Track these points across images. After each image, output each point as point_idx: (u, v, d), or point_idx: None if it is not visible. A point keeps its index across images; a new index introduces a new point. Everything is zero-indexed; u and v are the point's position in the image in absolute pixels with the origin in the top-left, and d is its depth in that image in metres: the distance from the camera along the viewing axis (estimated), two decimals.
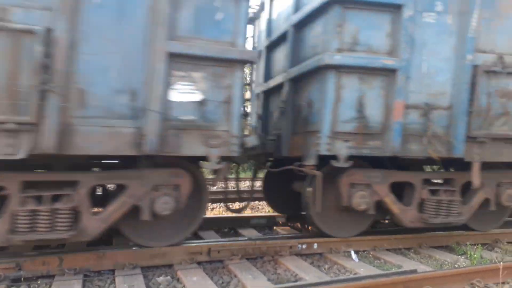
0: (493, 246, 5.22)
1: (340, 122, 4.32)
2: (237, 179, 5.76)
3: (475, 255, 4.57)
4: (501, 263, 3.78)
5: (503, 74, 4.66)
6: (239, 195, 5.93)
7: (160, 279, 3.63)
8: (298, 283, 3.42)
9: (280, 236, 5.05)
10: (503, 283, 3.71)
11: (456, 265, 4.34)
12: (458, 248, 4.94)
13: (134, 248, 4.07)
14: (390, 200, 4.68)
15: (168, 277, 3.69)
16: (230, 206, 6.37)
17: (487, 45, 4.63)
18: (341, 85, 4.29)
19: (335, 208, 4.81)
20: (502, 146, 4.79)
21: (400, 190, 4.89)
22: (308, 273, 3.87)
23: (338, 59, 4.22)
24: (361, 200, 4.52)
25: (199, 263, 4.07)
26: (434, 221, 4.70)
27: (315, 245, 4.60)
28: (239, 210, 5.65)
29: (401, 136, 4.39)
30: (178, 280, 3.70)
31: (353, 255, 4.50)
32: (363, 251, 4.74)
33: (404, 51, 4.34)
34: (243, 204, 5.02)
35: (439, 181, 5.13)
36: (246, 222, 5.89)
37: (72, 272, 3.59)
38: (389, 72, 4.37)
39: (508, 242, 5.30)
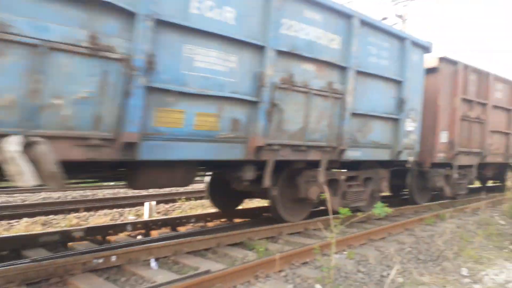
0: (277, 239, 6.03)
1: None
2: None
3: (261, 249, 5.18)
4: (278, 254, 4.41)
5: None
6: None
7: None
8: None
9: (73, 252, 4.58)
10: (279, 271, 4.33)
11: (244, 260, 4.81)
12: (249, 244, 5.51)
13: None
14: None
15: None
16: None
17: None
18: None
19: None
20: None
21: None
22: None
23: None
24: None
25: None
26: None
27: (114, 258, 4.38)
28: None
29: None
30: None
31: (153, 263, 4.48)
32: (164, 257, 4.77)
33: None
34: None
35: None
36: (33, 241, 5.13)
37: None
38: None
39: (287, 234, 6.21)
